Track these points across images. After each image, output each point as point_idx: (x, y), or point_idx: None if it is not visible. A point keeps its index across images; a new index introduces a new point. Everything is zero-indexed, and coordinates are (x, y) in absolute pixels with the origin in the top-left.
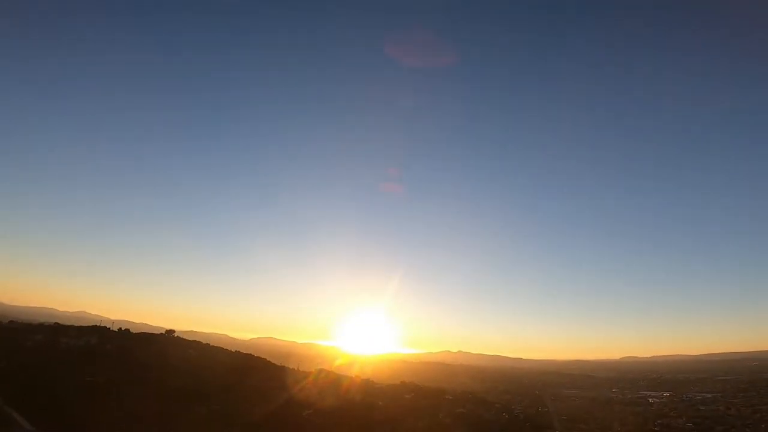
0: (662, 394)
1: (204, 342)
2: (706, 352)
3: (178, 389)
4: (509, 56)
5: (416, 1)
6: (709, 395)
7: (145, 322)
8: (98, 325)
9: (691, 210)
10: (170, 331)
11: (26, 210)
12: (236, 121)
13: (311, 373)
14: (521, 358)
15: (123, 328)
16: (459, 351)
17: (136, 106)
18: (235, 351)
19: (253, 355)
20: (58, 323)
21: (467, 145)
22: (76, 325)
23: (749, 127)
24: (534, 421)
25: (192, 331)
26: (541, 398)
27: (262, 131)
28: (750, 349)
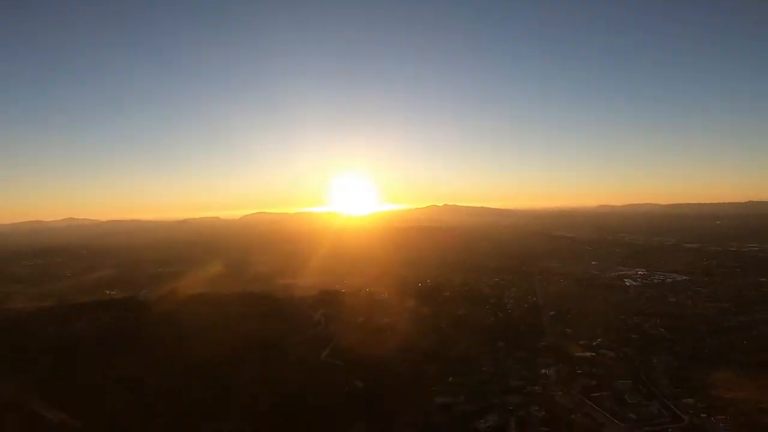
0: (636, 273)
1: (211, 291)
2: (674, 202)
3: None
4: None
5: None
6: (679, 278)
7: (136, 218)
8: (106, 300)
9: None
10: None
11: None
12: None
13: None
14: (506, 209)
15: (129, 296)
16: (445, 205)
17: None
18: (248, 293)
19: (266, 297)
20: (63, 302)
21: None
22: (80, 302)
23: None
24: (526, 320)
25: (185, 219)
26: (530, 278)
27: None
28: (715, 201)
